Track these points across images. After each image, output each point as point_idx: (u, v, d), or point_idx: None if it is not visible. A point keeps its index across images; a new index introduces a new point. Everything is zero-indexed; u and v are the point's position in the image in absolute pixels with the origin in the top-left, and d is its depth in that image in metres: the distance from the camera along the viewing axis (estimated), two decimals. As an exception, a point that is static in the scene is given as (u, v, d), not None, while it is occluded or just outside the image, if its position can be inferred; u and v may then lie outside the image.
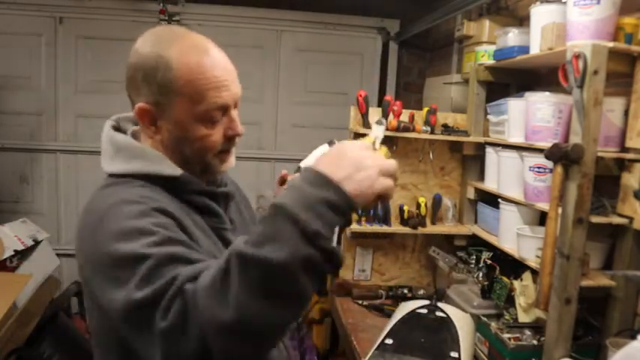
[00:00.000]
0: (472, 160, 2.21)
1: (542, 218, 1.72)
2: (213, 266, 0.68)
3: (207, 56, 0.85)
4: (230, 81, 0.88)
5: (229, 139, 0.91)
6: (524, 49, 1.76)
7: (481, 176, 2.16)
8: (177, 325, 0.65)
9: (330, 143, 0.98)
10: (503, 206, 1.83)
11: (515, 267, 1.75)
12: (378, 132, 0.83)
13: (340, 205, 0.66)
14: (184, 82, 0.83)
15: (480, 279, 1.87)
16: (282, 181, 1.14)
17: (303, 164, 1.03)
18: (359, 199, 0.68)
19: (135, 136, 0.95)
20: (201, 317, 0.64)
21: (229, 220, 0.99)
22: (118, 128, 0.96)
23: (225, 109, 0.88)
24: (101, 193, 0.87)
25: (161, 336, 0.66)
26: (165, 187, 0.87)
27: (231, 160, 0.95)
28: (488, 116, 2.07)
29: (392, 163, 0.72)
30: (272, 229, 0.64)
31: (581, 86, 1.34)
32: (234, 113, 0.91)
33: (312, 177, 0.68)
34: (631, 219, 1.42)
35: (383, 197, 0.71)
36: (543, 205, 1.58)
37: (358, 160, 0.69)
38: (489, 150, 2.01)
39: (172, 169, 0.89)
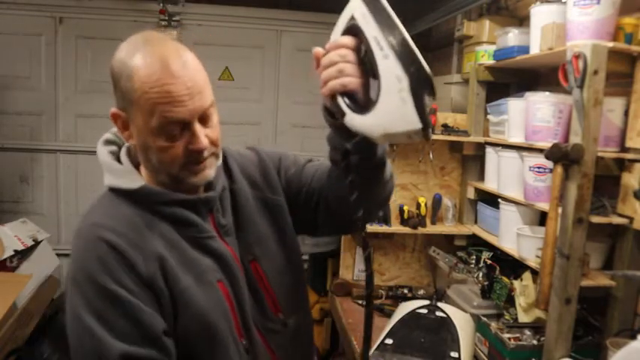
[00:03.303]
0: (472, 160, 2.21)
1: (542, 218, 1.72)
2: None
3: (164, 70, 0.82)
4: (189, 96, 0.83)
5: (193, 153, 0.86)
6: (524, 49, 1.76)
7: (481, 176, 2.16)
8: None
9: None
10: (503, 206, 1.83)
11: (515, 267, 1.75)
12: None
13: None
14: (139, 94, 0.82)
15: (480, 279, 1.87)
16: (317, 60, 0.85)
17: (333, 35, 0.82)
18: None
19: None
20: None
21: (219, 225, 0.96)
22: (112, 141, 0.97)
23: (183, 124, 0.84)
24: (91, 207, 0.92)
25: None
26: (133, 200, 0.89)
27: (207, 172, 0.90)
28: (488, 116, 2.07)
29: None
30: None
31: (581, 86, 1.34)
32: (197, 128, 0.85)
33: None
34: (631, 219, 1.42)
35: None
36: (543, 205, 1.58)
37: None
38: (489, 150, 2.01)
39: (132, 183, 0.89)
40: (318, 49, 0.81)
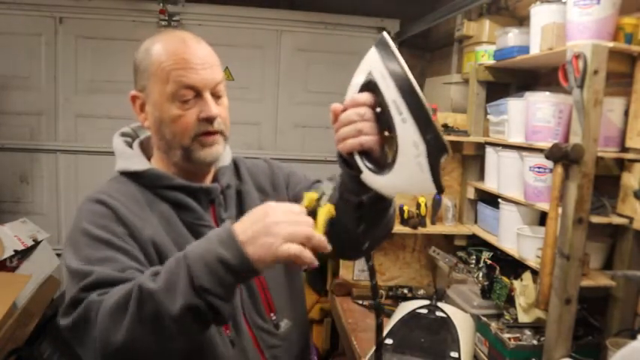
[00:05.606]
0: (472, 160, 2.21)
1: (542, 218, 1.72)
2: (123, 287, 0.76)
3: (181, 44, 0.92)
4: (201, 66, 0.91)
5: (204, 122, 0.93)
6: (524, 49, 1.76)
7: (481, 176, 2.16)
8: (78, 325, 0.77)
9: (380, 43, 0.77)
10: (503, 206, 1.83)
11: (515, 267, 1.76)
12: (326, 189, 0.80)
13: (235, 265, 0.71)
14: (157, 65, 0.91)
15: (480, 279, 1.87)
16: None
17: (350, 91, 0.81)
18: (258, 262, 0.72)
19: (148, 139, 1.04)
20: (97, 331, 0.74)
21: (219, 218, 0.99)
22: (128, 134, 1.05)
23: (196, 92, 0.91)
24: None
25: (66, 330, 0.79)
26: (139, 182, 0.96)
27: (215, 148, 0.95)
28: (488, 116, 2.07)
29: (304, 233, 0.72)
30: (174, 277, 0.72)
31: (581, 86, 1.34)
32: (208, 97, 0.92)
33: (223, 232, 0.74)
34: (631, 219, 1.42)
35: (291, 263, 0.72)
36: (543, 205, 1.58)
37: (269, 225, 0.72)
38: (489, 150, 2.01)
39: (139, 165, 0.96)
40: (337, 105, 0.81)
